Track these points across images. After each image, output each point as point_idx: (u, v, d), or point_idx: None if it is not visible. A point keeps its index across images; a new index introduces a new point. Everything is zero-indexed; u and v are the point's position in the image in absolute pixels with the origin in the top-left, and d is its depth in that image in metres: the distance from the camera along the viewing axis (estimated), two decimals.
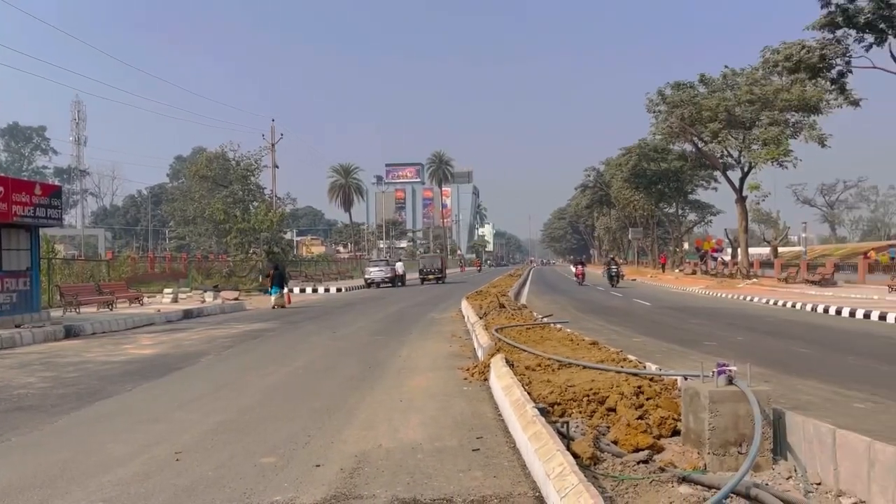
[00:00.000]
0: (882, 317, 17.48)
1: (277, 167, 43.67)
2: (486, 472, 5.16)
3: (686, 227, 76.41)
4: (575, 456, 5.11)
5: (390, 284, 42.69)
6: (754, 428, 5.04)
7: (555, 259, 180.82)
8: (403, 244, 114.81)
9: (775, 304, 23.56)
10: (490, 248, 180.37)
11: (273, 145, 43.28)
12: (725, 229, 60.86)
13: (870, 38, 24.51)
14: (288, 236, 63.34)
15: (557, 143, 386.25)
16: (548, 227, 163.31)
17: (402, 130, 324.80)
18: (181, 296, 28.58)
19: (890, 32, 24.10)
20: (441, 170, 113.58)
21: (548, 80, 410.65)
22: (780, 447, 5.62)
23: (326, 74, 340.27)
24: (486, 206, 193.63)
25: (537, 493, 4.61)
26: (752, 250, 58.20)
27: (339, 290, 37.89)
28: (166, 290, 28.32)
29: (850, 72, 26.05)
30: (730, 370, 5.65)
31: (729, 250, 59.52)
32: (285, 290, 27.15)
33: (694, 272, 51.76)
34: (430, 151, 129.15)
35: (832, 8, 24.49)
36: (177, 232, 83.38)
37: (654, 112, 42.31)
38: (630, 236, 76.71)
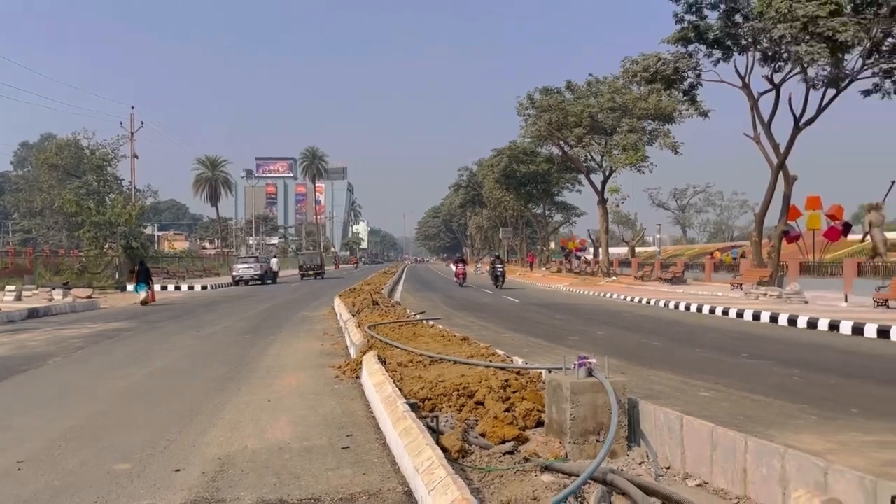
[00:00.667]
0: (724, 312, 19.04)
1: (137, 157, 41.21)
2: (355, 469, 5.12)
3: (553, 227, 79.66)
4: (444, 450, 5.18)
5: (260, 282, 41.40)
6: (611, 417, 5.33)
7: (429, 257, 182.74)
8: (275, 240, 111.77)
9: (632, 300, 25.05)
10: (365, 245, 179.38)
11: (132, 134, 40.75)
12: (588, 230, 64.06)
13: (718, 54, 26.60)
14: (148, 231, 59.84)
15: (433, 143, 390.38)
16: (422, 225, 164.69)
17: (275, 125, 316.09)
18: (25, 294, 26.28)
19: (735, 49, 26.28)
20: (315, 165, 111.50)
21: (424, 79, 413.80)
22: (634, 434, 5.98)
23: (195, 67, 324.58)
24: (360, 204, 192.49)
25: (406, 488, 4.63)
26: (612, 250, 61.67)
27: (204, 287, 36.30)
28: (8, 288, 25.95)
29: (700, 84, 28.19)
30: (589, 363, 5.94)
31: (591, 249, 62.65)
32: (151, 286, 25.82)
33: (559, 270, 54.02)
34: (304, 146, 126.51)
35: (685, 24, 26.37)
36: (21, 224, 76.51)
37: (523, 115, 43.75)
38: (501, 235, 78.97)
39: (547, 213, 73.26)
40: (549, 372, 6.62)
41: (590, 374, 5.93)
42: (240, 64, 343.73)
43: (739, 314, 18.29)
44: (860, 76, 24.50)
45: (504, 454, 5.40)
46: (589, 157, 46.18)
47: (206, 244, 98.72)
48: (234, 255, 68.50)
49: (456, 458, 5.16)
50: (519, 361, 8.50)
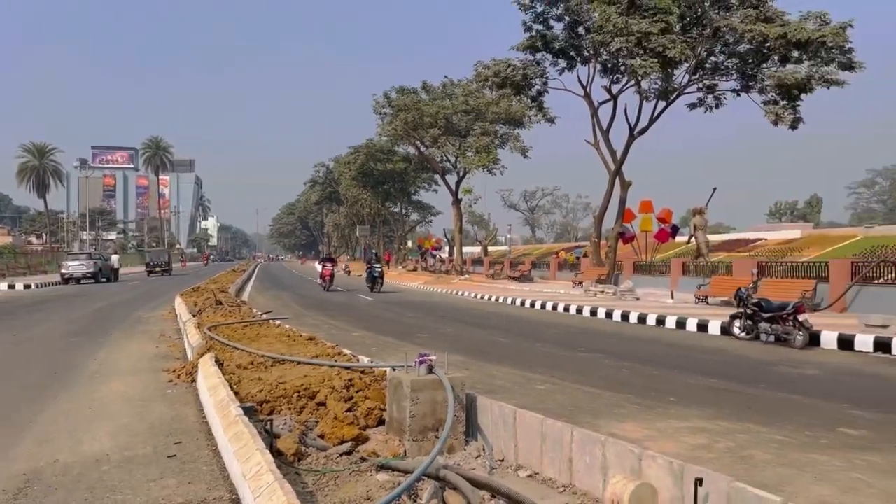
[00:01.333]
0: (566, 308, 20.04)
1: None
2: (180, 478, 4.82)
3: (409, 226, 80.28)
4: (280, 454, 5.01)
5: (93, 280, 38.34)
6: (447, 412, 5.39)
7: (284, 255, 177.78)
8: (113, 236, 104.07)
9: (483, 298, 25.76)
10: (214, 242, 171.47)
11: None
12: (444, 229, 65.29)
13: (562, 63, 27.99)
14: None
15: (287, 137, 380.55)
16: (277, 222, 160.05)
17: (116, 113, 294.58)
18: None
19: (578, 60, 27.79)
20: (158, 156, 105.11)
21: (276, 73, 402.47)
22: (472, 429, 6.09)
23: (23, 52, 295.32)
24: (210, 198, 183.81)
25: (234, 496, 4.42)
26: (466, 249, 63.09)
27: (28, 286, 33.08)
28: None
29: (547, 91, 29.49)
30: (430, 360, 5.99)
31: (447, 248, 63.82)
32: None
33: (415, 269, 54.52)
34: (147, 136, 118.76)
35: (533, 33, 27.49)
36: None
37: (380, 113, 43.72)
38: (358, 234, 78.51)
39: (404, 211, 73.69)
40: (394, 370, 6.61)
41: (430, 371, 5.97)
42: (74, 44, 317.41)
43: (579, 310, 19.31)
44: (687, 90, 26.70)
45: (341, 455, 5.31)
46: (444, 157, 46.94)
47: (33, 239, 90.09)
48: (66, 251, 63.08)
49: (291, 462, 5.01)
50: (365, 360, 8.43)
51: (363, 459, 5.18)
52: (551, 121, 34.27)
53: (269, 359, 8.41)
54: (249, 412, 5.71)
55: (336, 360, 8.23)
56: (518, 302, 22.77)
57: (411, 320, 17.29)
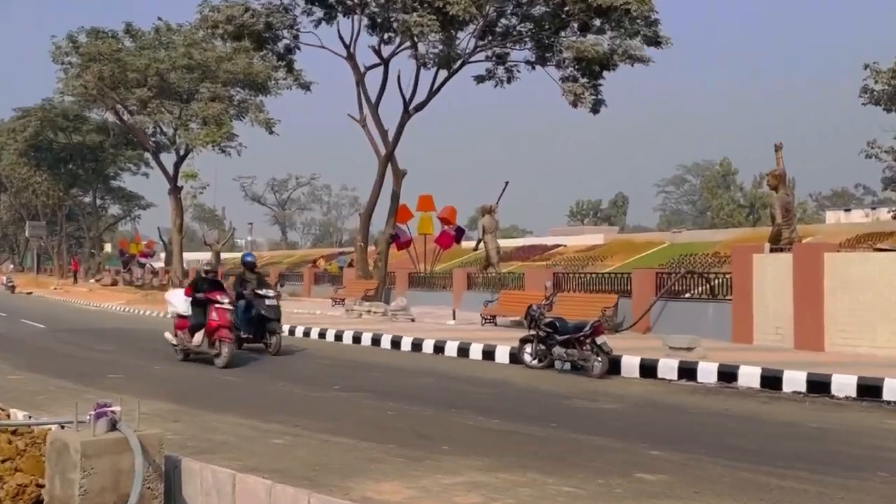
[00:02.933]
0: (321, 334, 20.06)
1: None
2: None
3: (107, 222, 75.70)
4: None
5: None
6: (133, 484, 5.06)
7: None
8: None
9: None
10: None
11: None
12: (159, 228, 62.43)
13: (319, 13, 28.07)
14: None
15: None
16: None
17: None
18: None
19: (339, 10, 28.02)
20: None
21: None
22: (175, 503, 5.78)
23: None
24: None
25: None
26: (189, 255, 61.04)
27: None
28: None
29: (299, 48, 29.43)
30: (112, 411, 5.57)
31: (162, 255, 61.10)
32: None
33: (115, 283, 51.63)
34: None
35: None
36: None
37: (62, 64, 40.82)
38: (28, 232, 72.00)
39: (99, 202, 69.37)
40: (62, 427, 6.07)
41: (114, 426, 5.57)
42: None
43: (338, 336, 19.42)
44: (473, 58, 28.12)
45: None
46: (158, 129, 44.95)
47: None
48: None
49: None
50: (20, 415, 7.68)
51: None
52: (306, 87, 34.25)
53: None
54: None
55: None
56: None
57: (101, 355, 16.36)
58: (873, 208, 65.01)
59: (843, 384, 11.36)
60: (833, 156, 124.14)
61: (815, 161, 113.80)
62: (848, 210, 69.55)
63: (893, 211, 47.97)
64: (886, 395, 10.91)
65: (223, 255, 61.25)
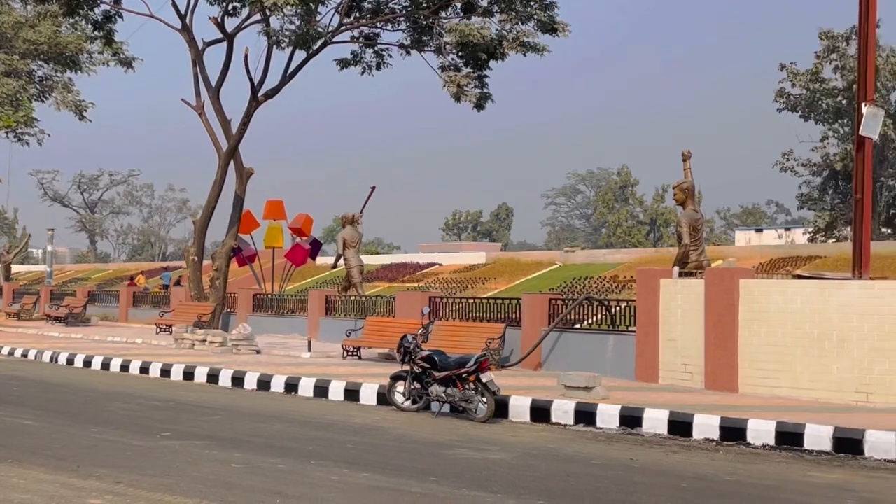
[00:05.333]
0: (144, 369, 19.54)
1: None
2: None
3: None
4: None
5: None
6: None
7: None
8: None
9: (0, 352, 23.95)
10: None
11: None
12: None
13: None
14: None
15: None
16: None
17: None
18: None
19: None
20: None
21: None
22: None
23: None
24: None
25: None
26: None
27: None
28: None
29: (121, 16, 28.68)
30: None
31: None
32: None
33: None
34: None
35: None
36: None
37: None
38: None
39: None
40: None
41: None
42: None
43: (165, 371, 18.96)
44: (336, 39, 28.06)
45: None
46: None
47: None
48: None
49: None
50: None
51: None
52: (127, 64, 33.45)
53: None
54: None
55: None
56: (63, 359, 21.62)
57: None
58: (787, 228, 68.49)
59: (761, 431, 11.91)
60: (743, 168, 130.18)
61: (724, 174, 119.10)
62: (760, 230, 72.98)
63: (810, 233, 50.75)
64: (808, 444, 11.49)
65: (14, 268, 58.87)
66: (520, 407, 13.78)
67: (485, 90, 27.41)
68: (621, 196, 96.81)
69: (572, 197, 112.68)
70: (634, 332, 17.44)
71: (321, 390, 16.16)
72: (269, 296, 30.22)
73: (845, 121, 45.35)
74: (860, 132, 15.98)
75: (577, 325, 19.50)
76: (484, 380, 13.35)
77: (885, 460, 10.87)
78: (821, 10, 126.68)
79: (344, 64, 29.31)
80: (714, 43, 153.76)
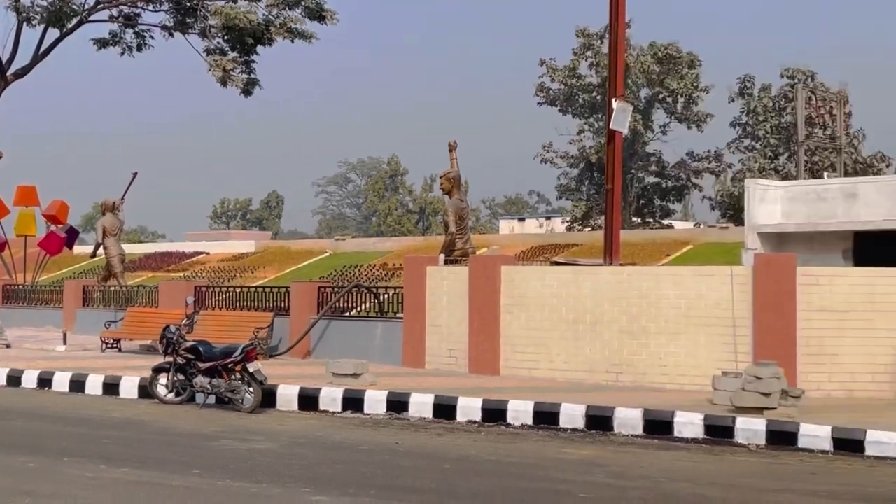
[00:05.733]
0: None
1: None
2: None
3: None
4: None
5: None
6: None
7: None
8: None
9: None
10: None
11: None
12: None
13: None
14: None
15: None
16: None
17: None
18: None
19: None
20: None
21: None
22: None
23: None
24: None
25: None
26: None
27: None
28: None
29: None
30: None
31: None
32: None
33: None
34: None
35: None
36: None
37: None
38: None
39: None
40: None
41: None
42: None
43: None
44: (94, 17, 26.94)
45: None
46: None
47: None
48: None
49: None
50: None
51: None
52: None
53: None
54: None
55: None
56: None
57: None
58: (548, 217, 71.21)
59: (520, 411, 12.39)
60: (508, 159, 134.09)
61: (489, 164, 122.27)
62: (522, 219, 75.50)
63: (568, 221, 53.06)
64: (563, 423, 12.07)
65: None
66: (287, 396, 13.73)
67: (252, 76, 27.07)
68: (391, 185, 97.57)
69: (343, 185, 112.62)
70: (402, 318, 17.71)
71: (77, 385, 15.48)
72: (21, 287, 28.67)
73: (600, 115, 47.39)
74: (611, 126, 16.91)
75: (347, 313, 19.61)
76: (251, 369, 13.21)
77: (632, 436, 11.60)
78: (581, 8, 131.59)
79: (102, 44, 28.20)
80: (480, 36, 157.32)
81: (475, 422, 12.44)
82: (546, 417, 12.19)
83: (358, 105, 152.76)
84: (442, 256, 18.01)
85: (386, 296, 19.07)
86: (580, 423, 11.98)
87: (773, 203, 22.81)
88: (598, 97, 47.94)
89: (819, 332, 13.94)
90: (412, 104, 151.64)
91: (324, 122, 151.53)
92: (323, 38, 27.25)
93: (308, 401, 13.58)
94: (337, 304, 19.22)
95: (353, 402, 13.38)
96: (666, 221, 52.34)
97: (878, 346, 13.80)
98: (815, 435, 10.93)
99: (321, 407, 13.45)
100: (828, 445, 10.79)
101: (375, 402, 13.27)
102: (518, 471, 9.57)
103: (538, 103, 52.36)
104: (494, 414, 12.48)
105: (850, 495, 8.77)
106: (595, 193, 49.27)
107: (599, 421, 11.91)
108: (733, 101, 46.73)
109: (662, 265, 25.73)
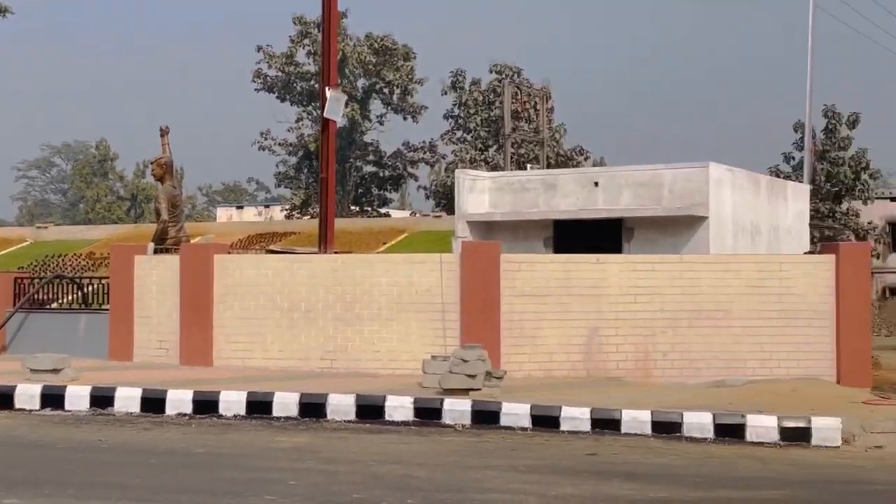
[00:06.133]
0: None
1: None
2: None
3: None
4: None
5: None
6: None
7: None
8: None
9: None
10: None
11: None
12: None
13: None
14: None
15: None
16: None
17: None
18: None
19: None
20: None
21: None
22: None
23: None
24: None
25: None
26: None
27: None
28: None
29: None
30: None
31: None
32: None
33: None
34: None
35: None
36: None
37: None
38: None
39: None
40: None
41: None
42: None
43: None
44: None
45: None
46: None
47: None
48: None
49: None
50: None
51: None
52: None
53: None
54: None
55: None
56: None
57: None
58: (267, 206, 70.49)
59: (232, 402, 12.23)
60: (226, 146, 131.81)
61: (205, 150, 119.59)
62: (241, 207, 74.29)
63: (287, 210, 52.81)
64: (277, 411, 12.03)
65: None
66: None
67: None
68: (100, 170, 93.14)
69: (47, 170, 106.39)
70: (108, 310, 17.05)
71: None
72: None
73: (318, 103, 47.44)
74: (325, 115, 17.03)
75: (48, 306, 18.67)
76: None
77: (345, 421, 11.74)
78: None
79: None
80: (198, 14, 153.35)
81: (186, 414, 12.17)
82: (259, 407, 12.09)
83: (61, 87, 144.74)
84: (151, 245, 17.43)
85: (91, 287, 18.30)
86: (294, 411, 11.98)
87: (481, 193, 23.76)
88: (316, 85, 47.92)
89: (521, 316, 14.73)
90: (121, 86, 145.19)
91: (25, 102, 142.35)
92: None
93: (3, 399, 12.73)
94: (36, 296, 18.25)
95: (53, 398, 12.68)
96: (383, 210, 53.06)
97: (573, 328, 14.77)
98: (515, 413, 11.52)
99: (17, 405, 12.65)
100: (527, 423, 11.42)
101: (78, 397, 12.64)
102: (229, 461, 9.44)
103: (255, 89, 51.76)
104: (206, 406, 12.24)
105: (546, 469, 9.29)
106: (314, 182, 49.27)
107: (313, 408, 11.95)
108: (446, 93, 47.88)
109: (379, 252, 26.18)
